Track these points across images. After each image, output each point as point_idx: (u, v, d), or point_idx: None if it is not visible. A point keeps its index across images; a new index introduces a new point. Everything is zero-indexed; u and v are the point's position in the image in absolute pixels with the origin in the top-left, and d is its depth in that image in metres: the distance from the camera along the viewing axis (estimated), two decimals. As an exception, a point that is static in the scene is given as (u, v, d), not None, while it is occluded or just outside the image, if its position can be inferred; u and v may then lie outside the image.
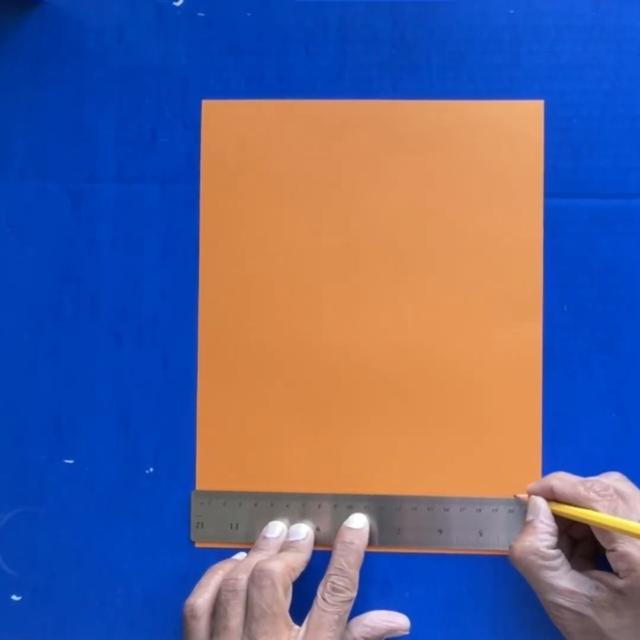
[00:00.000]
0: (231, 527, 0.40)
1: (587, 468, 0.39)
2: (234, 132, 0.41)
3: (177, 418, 0.41)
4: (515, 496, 0.39)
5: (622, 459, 0.39)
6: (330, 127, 0.41)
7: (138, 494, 0.41)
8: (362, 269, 0.40)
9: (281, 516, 0.40)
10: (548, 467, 0.39)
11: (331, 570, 0.37)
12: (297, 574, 0.38)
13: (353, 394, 0.40)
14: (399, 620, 0.39)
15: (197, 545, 0.41)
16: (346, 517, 0.39)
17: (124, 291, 0.41)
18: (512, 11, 0.40)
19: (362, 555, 0.38)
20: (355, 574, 0.37)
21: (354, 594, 0.37)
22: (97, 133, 0.42)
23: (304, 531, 0.39)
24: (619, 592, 0.34)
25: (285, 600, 0.36)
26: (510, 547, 0.37)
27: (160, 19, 0.42)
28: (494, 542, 0.39)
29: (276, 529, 0.40)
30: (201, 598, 0.37)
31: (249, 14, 0.41)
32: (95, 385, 0.41)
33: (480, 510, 0.39)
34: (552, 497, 0.37)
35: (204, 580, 0.38)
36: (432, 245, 0.40)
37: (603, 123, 0.40)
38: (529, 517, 0.37)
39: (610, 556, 0.35)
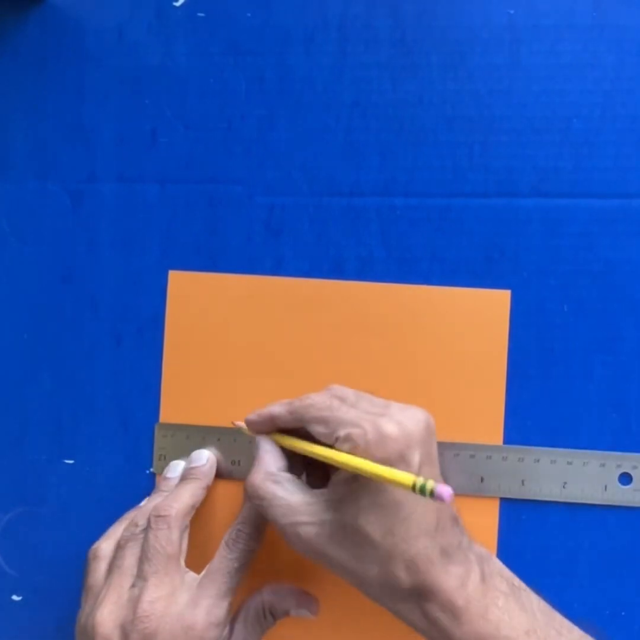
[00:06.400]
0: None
1: (587, 468, 0.39)
2: (199, 303, 0.41)
3: (177, 418, 0.41)
4: (233, 423, 0.38)
5: (622, 459, 0.39)
6: (299, 305, 0.40)
7: (138, 494, 0.41)
8: None
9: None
10: (548, 467, 0.39)
11: (239, 518, 0.36)
12: (196, 506, 0.37)
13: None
14: (311, 602, 0.37)
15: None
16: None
17: (124, 291, 0.41)
18: (512, 11, 0.40)
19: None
20: (260, 524, 0.36)
21: (256, 546, 0.36)
22: (97, 133, 0.42)
23: (205, 457, 0.39)
24: (352, 478, 0.32)
25: (182, 542, 0.36)
26: (245, 484, 0.35)
27: (160, 19, 0.42)
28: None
29: (177, 468, 0.39)
30: (105, 543, 0.37)
31: (249, 14, 0.41)
32: (95, 385, 0.41)
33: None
34: (275, 428, 0.36)
35: (111, 529, 0.38)
36: None
37: (603, 123, 0.40)
38: (254, 454, 0.36)
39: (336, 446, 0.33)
